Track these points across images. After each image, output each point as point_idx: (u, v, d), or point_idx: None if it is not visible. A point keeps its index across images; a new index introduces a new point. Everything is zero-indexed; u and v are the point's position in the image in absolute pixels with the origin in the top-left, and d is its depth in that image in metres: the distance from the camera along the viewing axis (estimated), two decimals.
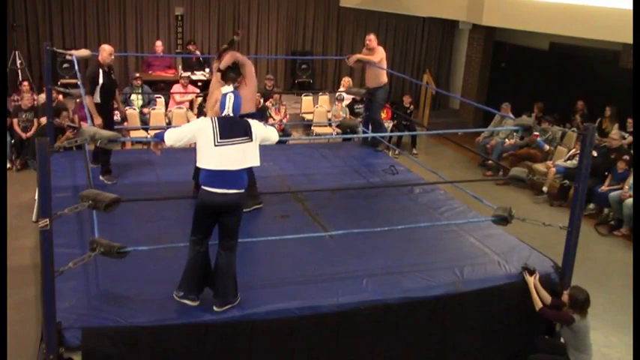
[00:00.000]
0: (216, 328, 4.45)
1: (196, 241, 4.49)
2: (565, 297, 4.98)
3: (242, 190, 4.40)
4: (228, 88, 4.49)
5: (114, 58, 7.11)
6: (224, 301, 4.51)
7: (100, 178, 6.95)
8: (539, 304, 5.05)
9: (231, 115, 4.38)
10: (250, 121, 4.51)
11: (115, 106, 7.61)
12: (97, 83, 6.84)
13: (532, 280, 5.14)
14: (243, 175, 4.41)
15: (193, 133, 4.35)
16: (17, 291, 5.95)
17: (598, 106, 11.00)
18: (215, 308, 4.49)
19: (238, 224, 4.51)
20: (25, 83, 10.51)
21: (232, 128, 4.33)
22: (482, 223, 5.97)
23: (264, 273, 5.07)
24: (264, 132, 4.52)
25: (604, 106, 10.87)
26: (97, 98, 6.88)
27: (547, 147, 10.66)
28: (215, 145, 4.26)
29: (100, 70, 6.87)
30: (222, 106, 4.39)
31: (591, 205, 9.21)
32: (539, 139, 10.67)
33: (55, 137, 8.29)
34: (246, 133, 4.37)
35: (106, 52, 6.98)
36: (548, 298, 5.11)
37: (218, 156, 4.27)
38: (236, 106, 4.39)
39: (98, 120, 6.84)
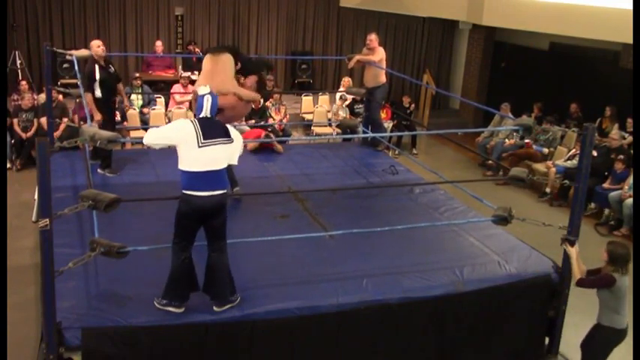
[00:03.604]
0: (216, 328, 4.45)
1: (182, 247, 4.38)
2: (604, 255, 4.83)
3: (226, 190, 4.41)
4: (205, 90, 4.45)
5: (104, 50, 7.06)
6: (223, 301, 4.51)
7: (99, 171, 6.98)
8: (577, 276, 4.91)
9: (209, 116, 4.38)
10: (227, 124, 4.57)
11: (119, 98, 7.61)
12: (95, 79, 6.89)
13: (574, 251, 5.01)
14: (225, 175, 4.44)
15: (174, 134, 4.31)
16: (17, 291, 5.95)
17: (598, 106, 10.99)
18: (215, 308, 4.48)
19: (225, 224, 4.47)
20: (24, 82, 10.51)
21: (213, 129, 4.33)
22: (482, 223, 5.97)
23: (264, 273, 5.06)
24: (236, 130, 4.56)
25: (604, 106, 10.87)
26: (99, 93, 6.93)
27: (546, 150, 10.67)
28: (199, 147, 4.23)
29: (96, 66, 6.91)
30: (200, 108, 4.39)
31: (592, 205, 9.20)
32: (535, 146, 10.70)
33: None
34: (227, 135, 4.38)
35: (95, 46, 7.01)
36: (584, 270, 4.99)
37: (203, 157, 4.24)
38: (213, 107, 4.39)
39: (98, 116, 6.88)
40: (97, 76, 6.88)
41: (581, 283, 4.91)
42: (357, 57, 8.55)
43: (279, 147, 8.26)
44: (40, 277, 4.13)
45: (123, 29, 13.39)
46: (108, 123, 6.90)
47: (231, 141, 4.39)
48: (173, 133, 4.35)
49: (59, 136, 9.22)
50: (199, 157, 4.24)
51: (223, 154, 4.34)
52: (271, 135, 8.54)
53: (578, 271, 4.95)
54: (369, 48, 8.39)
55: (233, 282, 4.56)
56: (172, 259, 4.41)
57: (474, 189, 6.55)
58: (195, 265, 4.49)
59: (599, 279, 4.85)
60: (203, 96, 4.41)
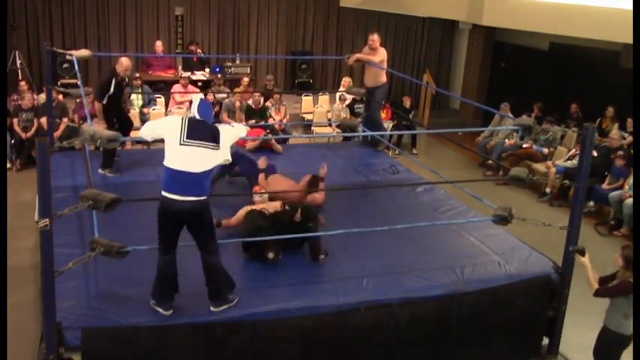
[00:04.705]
0: (216, 328, 4.45)
1: (164, 248, 4.40)
2: (619, 261, 4.72)
3: (202, 198, 4.29)
4: (199, 96, 4.57)
5: (130, 72, 7.23)
6: (219, 301, 4.51)
7: (100, 171, 6.98)
8: (594, 286, 4.77)
9: (197, 117, 4.36)
10: (220, 127, 4.51)
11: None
12: (109, 90, 6.97)
13: (587, 261, 4.90)
14: (205, 182, 4.33)
15: (162, 127, 4.38)
16: (17, 291, 5.94)
17: (598, 106, 10.99)
18: (212, 309, 4.49)
19: (209, 229, 4.45)
20: (24, 82, 10.50)
21: (199, 130, 4.30)
22: (482, 223, 5.97)
23: (264, 273, 5.06)
24: (232, 136, 4.57)
25: (604, 106, 10.87)
26: (103, 101, 6.99)
27: (546, 150, 10.67)
28: (180, 145, 4.23)
29: (113, 80, 6.99)
30: (190, 109, 4.48)
31: (591, 203, 9.20)
32: (535, 146, 10.70)
33: None
34: (215, 140, 4.33)
35: (123, 66, 7.06)
36: (596, 277, 4.87)
37: (181, 155, 4.23)
38: (200, 108, 4.38)
39: (103, 125, 6.91)
40: (111, 90, 6.96)
41: (598, 294, 4.79)
42: (357, 55, 8.55)
43: (278, 147, 8.27)
44: (40, 277, 4.13)
45: (123, 29, 13.37)
46: (111, 127, 6.93)
47: (217, 148, 4.34)
48: (161, 126, 4.44)
49: (59, 136, 9.21)
50: (178, 154, 4.24)
51: (202, 158, 4.27)
52: (271, 135, 8.55)
53: (594, 281, 4.82)
54: (372, 48, 8.38)
55: (229, 282, 4.56)
56: (157, 260, 4.45)
57: (473, 189, 6.55)
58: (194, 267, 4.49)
59: (616, 287, 4.74)
60: (196, 99, 4.50)
